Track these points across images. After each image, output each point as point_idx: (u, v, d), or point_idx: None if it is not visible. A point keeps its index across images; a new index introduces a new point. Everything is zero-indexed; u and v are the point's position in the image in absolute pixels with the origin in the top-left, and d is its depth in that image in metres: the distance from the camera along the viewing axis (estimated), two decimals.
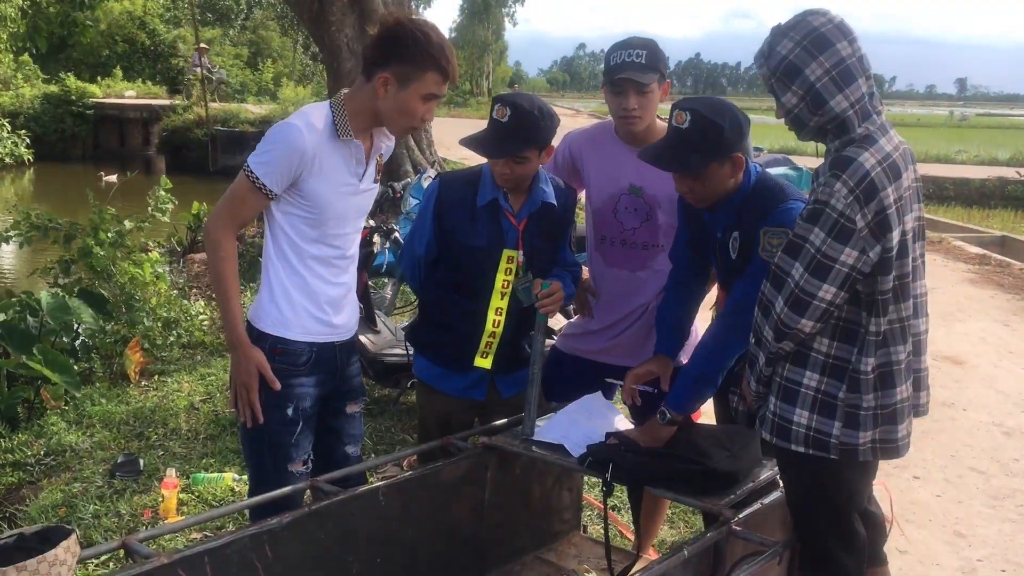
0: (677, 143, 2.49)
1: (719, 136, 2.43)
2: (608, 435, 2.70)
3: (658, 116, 3.01)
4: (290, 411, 2.58)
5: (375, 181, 2.72)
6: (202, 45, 28.94)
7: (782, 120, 2.27)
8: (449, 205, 2.87)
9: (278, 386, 2.55)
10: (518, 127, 2.70)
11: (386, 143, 2.74)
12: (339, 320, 2.66)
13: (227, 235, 2.51)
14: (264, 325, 2.57)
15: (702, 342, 2.68)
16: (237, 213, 2.53)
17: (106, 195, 7.42)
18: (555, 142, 3.25)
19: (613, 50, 2.88)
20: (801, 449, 2.24)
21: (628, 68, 2.81)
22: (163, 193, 7.07)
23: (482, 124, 2.93)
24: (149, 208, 7.15)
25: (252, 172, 2.44)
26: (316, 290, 2.58)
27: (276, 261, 2.57)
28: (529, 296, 2.79)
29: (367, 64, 2.52)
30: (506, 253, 2.84)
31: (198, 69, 27.42)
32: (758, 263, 2.46)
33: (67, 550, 1.92)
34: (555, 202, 2.88)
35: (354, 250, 2.72)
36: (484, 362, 2.91)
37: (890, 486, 3.39)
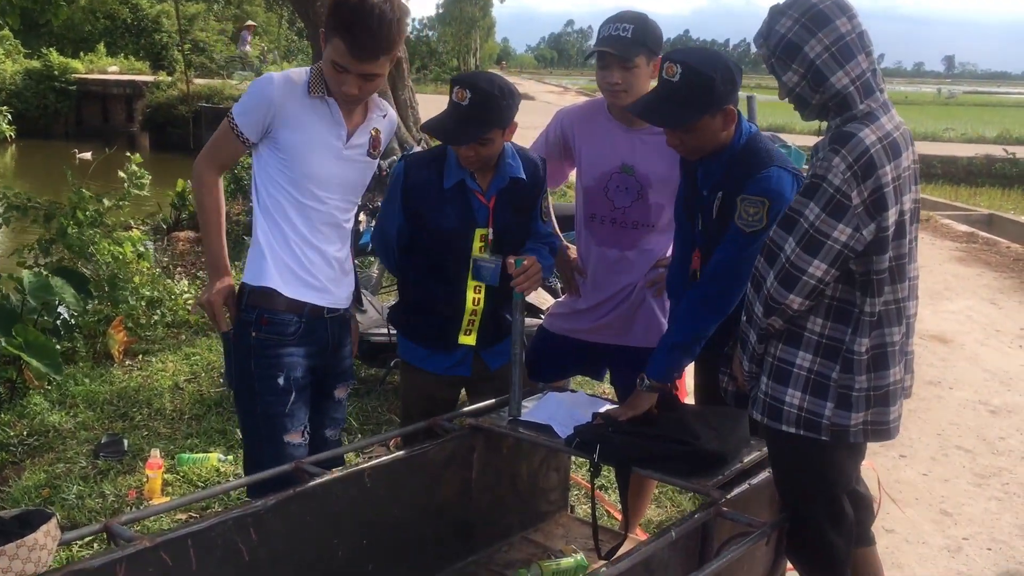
0: (667, 96, 2.46)
1: (710, 89, 2.40)
2: (595, 415, 2.69)
3: None
4: (281, 380, 2.55)
5: (369, 155, 2.67)
6: (249, 23, 28.66)
7: (785, 100, 2.25)
8: (416, 188, 2.80)
9: (225, 318, 2.60)
10: (479, 109, 2.61)
11: (378, 116, 2.68)
12: (327, 285, 2.61)
13: (209, 171, 2.60)
14: (249, 277, 2.57)
15: (679, 309, 2.68)
16: (217, 155, 2.61)
17: (83, 172, 7.32)
18: (547, 119, 3.22)
19: (604, 24, 2.85)
20: (792, 430, 2.23)
21: (611, 42, 2.78)
22: (135, 168, 6.97)
23: None
24: (125, 185, 7.06)
25: (232, 118, 2.52)
26: (298, 250, 2.55)
27: (261, 218, 2.57)
28: (488, 276, 2.73)
29: None
30: (479, 232, 2.79)
31: (247, 48, 27.29)
32: (734, 230, 2.44)
33: (47, 534, 1.90)
34: (524, 176, 2.82)
35: (344, 222, 2.67)
36: (468, 339, 2.87)
37: (877, 465, 3.40)
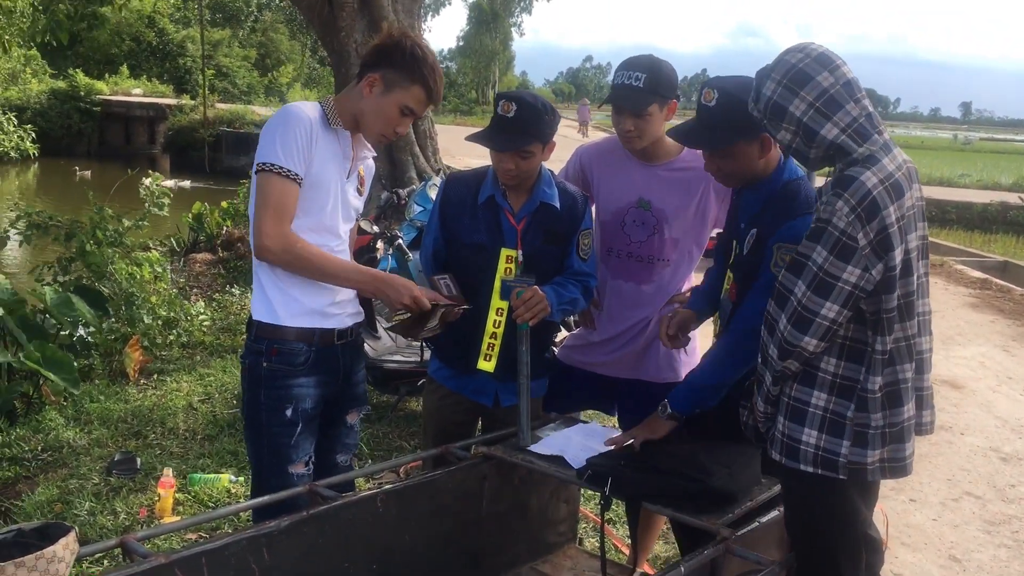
0: (705, 121, 2.51)
1: (745, 114, 2.42)
2: (608, 441, 2.71)
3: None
4: (289, 412, 2.56)
5: (359, 192, 2.70)
6: (585, 100, 34.03)
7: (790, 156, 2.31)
8: (453, 203, 2.90)
9: (427, 305, 2.55)
10: (523, 121, 2.72)
11: (366, 157, 2.72)
12: (331, 309, 2.60)
13: (288, 234, 2.41)
14: (257, 314, 2.56)
15: (710, 352, 2.69)
16: (282, 211, 2.40)
17: (105, 192, 7.42)
18: (567, 156, 3.27)
19: (618, 69, 2.89)
20: (810, 469, 2.24)
21: (624, 93, 2.83)
22: (156, 187, 7.06)
23: None
24: (146, 204, 7.15)
25: (270, 164, 2.39)
26: (305, 280, 2.53)
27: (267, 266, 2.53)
28: (509, 296, 2.77)
29: (362, 66, 2.59)
30: (504, 252, 2.84)
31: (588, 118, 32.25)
32: (766, 276, 2.46)
33: (66, 547, 1.92)
34: (557, 204, 2.87)
35: (342, 251, 2.66)
36: (487, 365, 2.86)
37: (887, 509, 3.39)
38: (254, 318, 2.58)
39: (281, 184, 2.40)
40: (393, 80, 2.51)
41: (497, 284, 2.84)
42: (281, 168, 2.40)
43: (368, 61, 2.57)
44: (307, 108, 2.52)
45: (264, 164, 2.41)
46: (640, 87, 2.81)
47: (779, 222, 2.48)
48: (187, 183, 6.67)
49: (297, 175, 2.42)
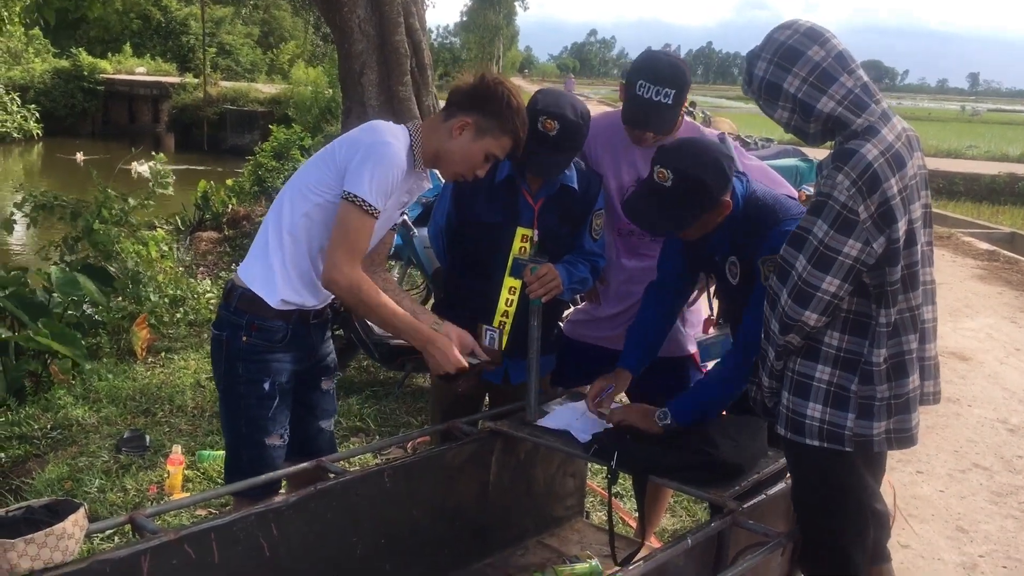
0: (663, 202, 2.47)
1: (703, 191, 2.43)
2: (603, 413, 2.72)
3: None
4: (267, 386, 2.58)
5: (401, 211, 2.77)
6: (571, 76, 34.29)
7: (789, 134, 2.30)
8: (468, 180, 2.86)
9: (486, 357, 2.67)
10: (568, 138, 2.70)
11: (424, 185, 2.74)
12: (319, 291, 2.62)
13: (358, 273, 2.45)
14: (252, 283, 2.54)
15: (716, 371, 2.67)
16: (357, 247, 2.46)
17: (86, 169, 7.44)
18: None
19: (641, 78, 2.77)
20: (816, 442, 2.24)
21: (656, 115, 2.77)
22: (160, 167, 7.06)
23: None
24: (150, 184, 7.15)
25: (360, 199, 2.40)
26: (310, 272, 2.57)
27: (289, 242, 2.54)
28: (523, 275, 2.77)
29: (451, 105, 2.58)
30: (520, 231, 2.83)
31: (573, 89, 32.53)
32: (758, 291, 2.45)
33: (75, 523, 1.94)
34: (576, 186, 2.86)
35: None
36: None
37: (893, 480, 3.40)
38: (246, 284, 2.55)
39: (362, 220, 2.42)
40: (485, 128, 2.52)
41: (510, 262, 2.83)
42: (367, 204, 2.41)
43: (460, 102, 2.55)
44: (401, 149, 2.49)
45: (355, 195, 2.41)
46: (670, 104, 2.76)
47: (755, 241, 2.49)
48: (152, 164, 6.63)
49: (378, 212, 2.44)
